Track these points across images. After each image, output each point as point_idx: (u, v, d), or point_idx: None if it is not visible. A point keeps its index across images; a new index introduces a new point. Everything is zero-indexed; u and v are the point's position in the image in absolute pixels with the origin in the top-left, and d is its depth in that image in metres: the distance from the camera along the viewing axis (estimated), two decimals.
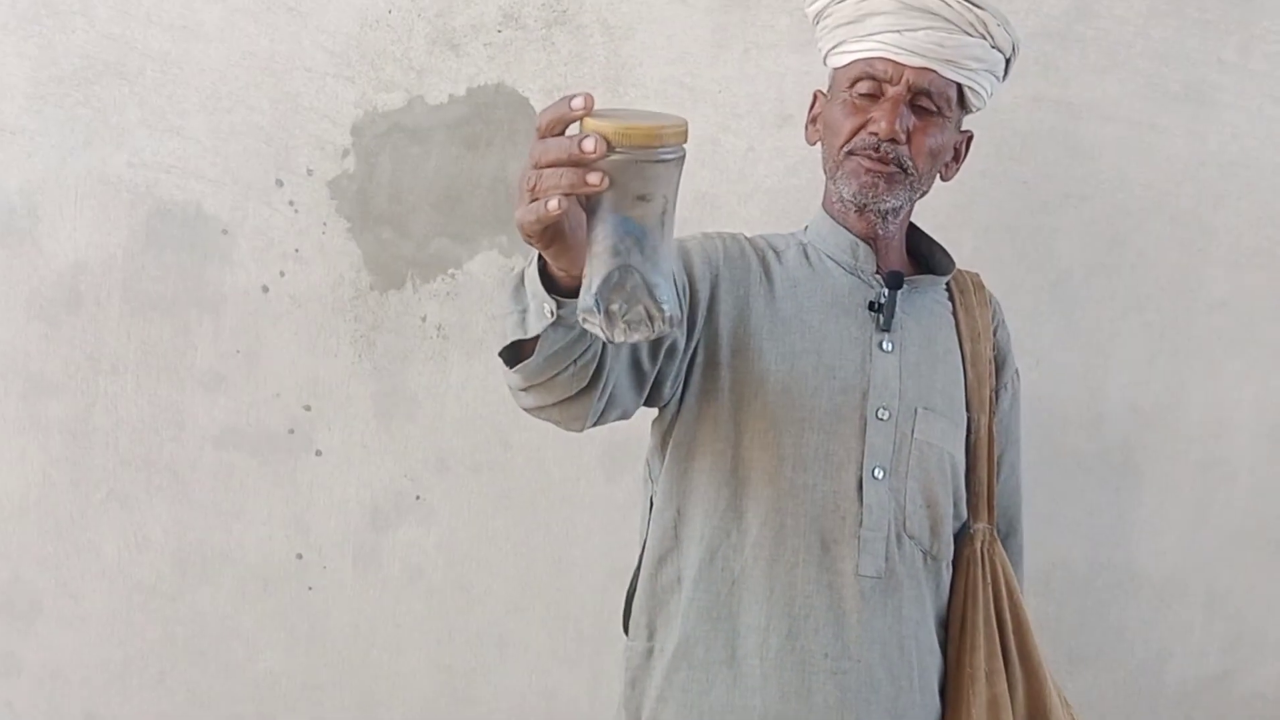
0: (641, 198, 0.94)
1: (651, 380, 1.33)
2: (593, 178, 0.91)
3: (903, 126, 1.39)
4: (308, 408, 2.00)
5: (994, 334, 1.55)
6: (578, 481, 2.03)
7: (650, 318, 0.97)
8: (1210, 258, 2.02)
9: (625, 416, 1.33)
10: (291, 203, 1.96)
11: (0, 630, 1.99)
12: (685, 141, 0.95)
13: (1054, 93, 1.96)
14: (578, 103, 0.93)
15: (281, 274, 1.97)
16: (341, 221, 1.97)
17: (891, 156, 1.40)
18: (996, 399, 1.53)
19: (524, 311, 1.11)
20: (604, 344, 1.18)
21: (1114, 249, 2.00)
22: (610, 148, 0.92)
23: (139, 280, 1.96)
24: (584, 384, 1.18)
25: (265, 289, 1.98)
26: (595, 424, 1.27)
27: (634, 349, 1.29)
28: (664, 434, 1.45)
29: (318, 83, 1.95)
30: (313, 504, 2.01)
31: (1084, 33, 1.96)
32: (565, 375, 1.15)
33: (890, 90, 1.40)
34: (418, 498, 2.02)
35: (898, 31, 1.39)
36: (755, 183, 1.98)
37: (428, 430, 2.01)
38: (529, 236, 0.98)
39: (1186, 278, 2.02)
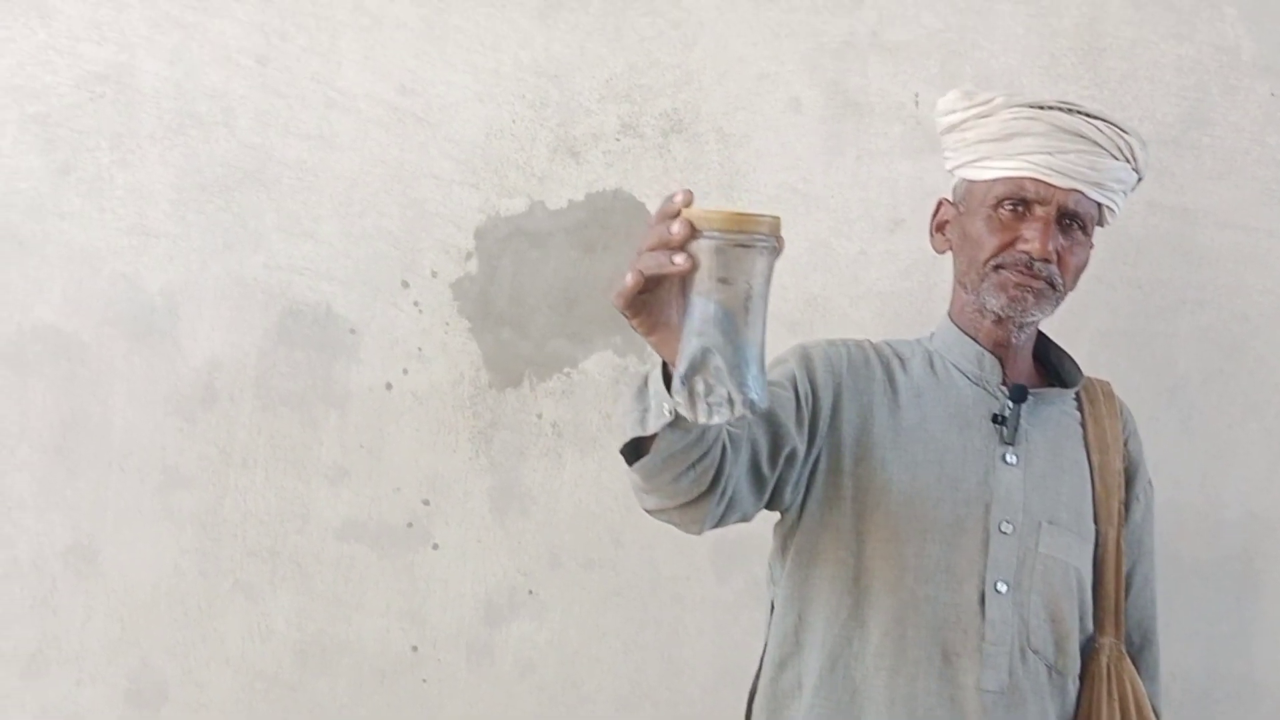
0: (724, 281, 0.99)
1: (772, 485, 1.36)
2: (677, 258, 0.99)
3: (1054, 246, 1.41)
4: (426, 502, 2.05)
5: (1125, 444, 1.54)
6: (688, 580, 2.04)
7: (731, 400, 1.01)
8: None
9: (745, 519, 1.36)
10: (416, 303, 2.04)
11: (128, 716, 2.05)
12: (773, 234, 1.01)
13: (1169, 199, 1.97)
14: (679, 198, 1.01)
15: (405, 371, 2.04)
16: (463, 321, 2.04)
17: (1044, 275, 1.42)
18: (1127, 511, 1.52)
19: (645, 411, 1.15)
20: (723, 449, 1.22)
21: (1232, 355, 1.99)
22: (695, 232, 0.99)
23: (270, 377, 2.04)
24: (704, 488, 1.21)
25: (389, 386, 2.04)
26: (715, 526, 1.30)
27: (754, 454, 1.32)
28: (785, 538, 1.47)
29: (444, 189, 2.03)
30: (429, 597, 2.05)
31: (1199, 139, 1.97)
32: (685, 479, 1.18)
33: (1040, 210, 1.42)
34: (530, 593, 2.05)
35: (1049, 153, 1.40)
36: (867, 286, 2.01)
37: (541, 526, 2.05)
38: (622, 313, 1.05)
39: None
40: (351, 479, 2.05)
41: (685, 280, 1.00)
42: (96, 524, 2.04)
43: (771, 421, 1.35)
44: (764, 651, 1.51)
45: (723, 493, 1.25)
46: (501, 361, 2.04)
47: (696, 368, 1.00)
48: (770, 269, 1.01)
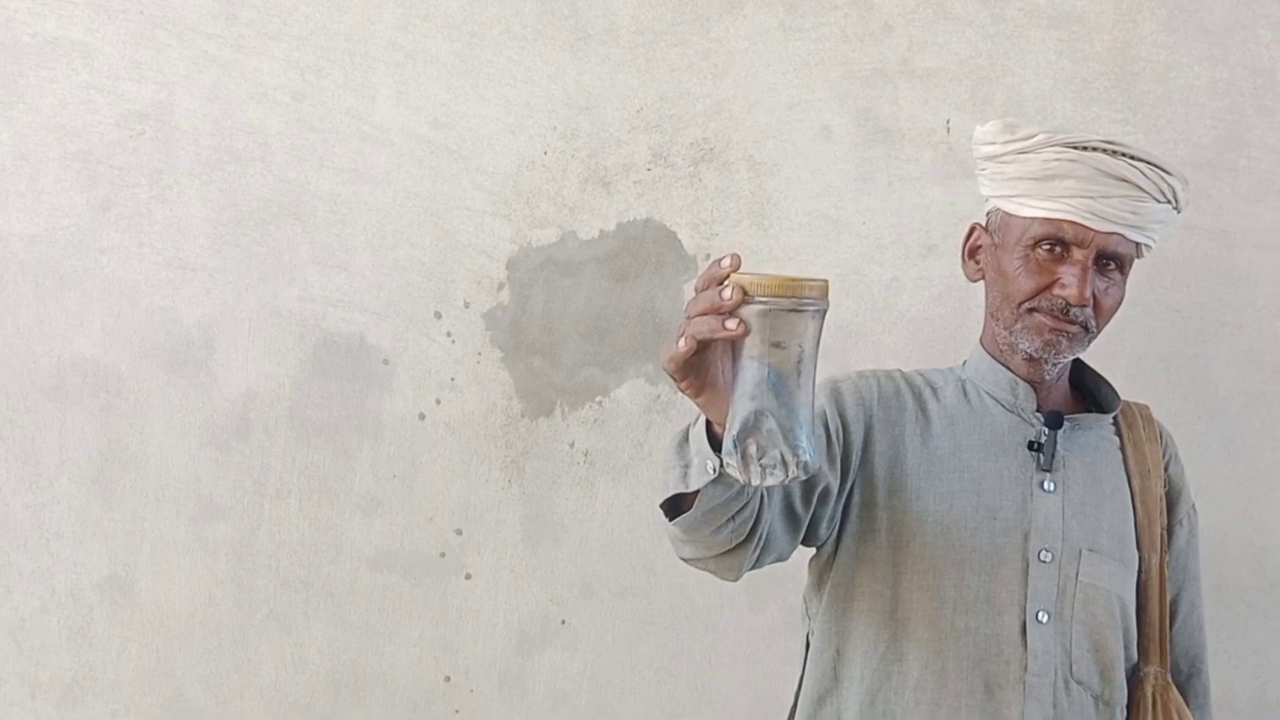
0: (777, 345, 1.01)
1: (806, 524, 1.36)
2: (730, 324, 1.00)
3: (1091, 291, 1.38)
4: (459, 531, 2.05)
5: (1165, 469, 1.51)
6: (721, 609, 2.03)
7: (785, 463, 1.02)
8: None
9: (781, 559, 1.36)
10: (449, 334, 2.05)
11: None
12: (822, 297, 1.02)
13: (1206, 221, 1.95)
14: (726, 262, 1.02)
15: (437, 401, 2.05)
16: (495, 351, 2.05)
17: (1080, 320, 1.39)
18: (1170, 536, 1.49)
19: (686, 466, 1.15)
20: (760, 499, 1.22)
21: (1273, 378, 1.95)
22: (747, 297, 1.00)
23: (304, 408, 2.05)
24: (741, 538, 1.22)
25: (422, 416, 2.05)
26: (751, 569, 1.30)
27: (786, 494, 1.32)
28: (821, 573, 1.46)
29: (476, 220, 2.04)
30: (461, 627, 2.05)
31: (1235, 161, 1.95)
32: (725, 531, 1.19)
33: (1078, 254, 1.38)
34: (563, 622, 2.05)
35: (1090, 198, 1.36)
36: (900, 312, 2.00)
37: (574, 555, 2.04)
38: (671, 376, 1.05)
39: None
40: (384, 509, 2.05)
41: (734, 343, 1.02)
42: (133, 554, 2.05)
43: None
44: (799, 687, 1.49)
45: (759, 541, 1.26)
46: (533, 390, 2.04)
47: (749, 430, 1.02)
48: (819, 331, 1.03)
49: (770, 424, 1.01)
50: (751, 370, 1.02)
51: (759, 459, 1.02)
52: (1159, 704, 1.42)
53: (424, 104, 2.05)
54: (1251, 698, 1.97)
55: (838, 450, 1.40)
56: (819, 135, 2.02)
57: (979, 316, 1.97)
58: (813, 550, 1.46)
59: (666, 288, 2.04)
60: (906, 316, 2.00)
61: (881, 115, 2.01)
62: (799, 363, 1.01)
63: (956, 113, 2.00)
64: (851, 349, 1.99)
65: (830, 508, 1.39)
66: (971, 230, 1.53)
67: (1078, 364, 1.54)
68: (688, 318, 1.03)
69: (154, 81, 2.07)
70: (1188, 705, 1.47)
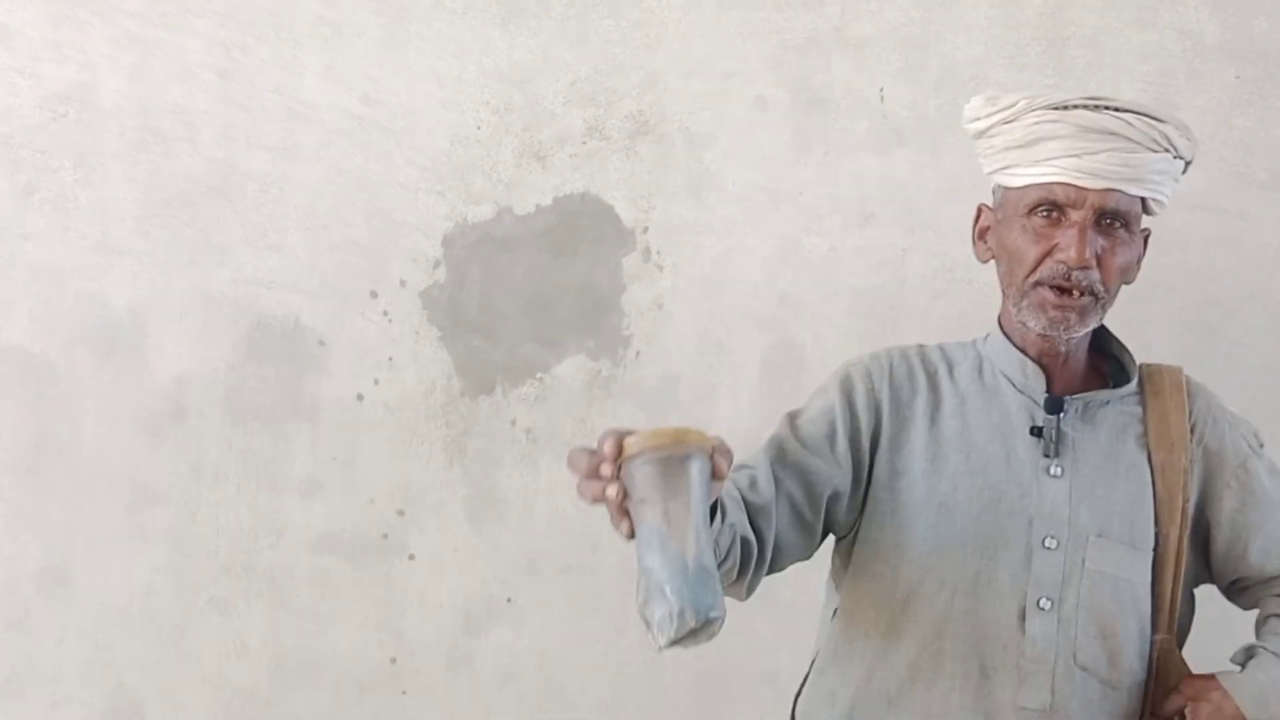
0: (643, 501, 1.01)
1: (821, 526, 1.41)
2: (610, 490, 1.02)
3: (1092, 252, 1.34)
4: (401, 512, 2.04)
5: (1200, 439, 1.45)
6: None
7: (682, 615, 1.00)
8: None
9: (804, 560, 1.43)
10: (385, 313, 2.02)
11: None
12: (666, 449, 1.01)
13: None
14: (607, 446, 1.03)
15: (376, 382, 2.03)
16: (433, 330, 2.03)
17: (1084, 285, 1.35)
18: (1219, 502, 1.44)
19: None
20: (744, 544, 1.29)
21: (1205, 339, 1.97)
22: (622, 458, 1.01)
23: (240, 392, 2.02)
24: (733, 579, 1.30)
25: (360, 397, 2.03)
26: (773, 573, 1.39)
27: (794, 505, 1.38)
28: (845, 555, 1.47)
29: (410, 197, 2.02)
30: (406, 608, 2.04)
31: None
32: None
33: (1075, 215, 1.34)
34: (509, 600, 2.04)
35: (1077, 156, 1.33)
36: (839, 281, 2.00)
37: (518, 533, 2.04)
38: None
39: None
40: (325, 492, 2.03)
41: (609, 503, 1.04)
42: (69, 544, 2.02)
43: (803, 472, 1.39)
44: (814, 658, 1.51)
45: (755, 571, 1.33)
46: (473, 369, 2.03)
47: (646, 597, 1.01)
48: (692, 475, 1.02)
49: (654, 583, 1.01)
50: (639, 530, 1.02)
51: (655, 622, 1.01)
52: (1162, 671, 1.39)
53: (353, 79, 2.02)
54: None
55: (846, 446, 1.41)
56: (754, 106, 2.01)
57: (917, 284, 1.99)
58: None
59: (605, 262, 2.02)
60: (846, 286, 2.00)
61: (816, 85, 2.00)
62: (665, 515, 1.00)
63: (890, 81, 1.99)
64: (791, 319, 2.00)
65: (845, 504, 1.42)
66: (979, 212, 1.49)
67: (1103, 334, 1.50)
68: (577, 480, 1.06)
69: (75, 62, 2.02)
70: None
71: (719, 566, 1.15)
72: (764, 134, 2.01)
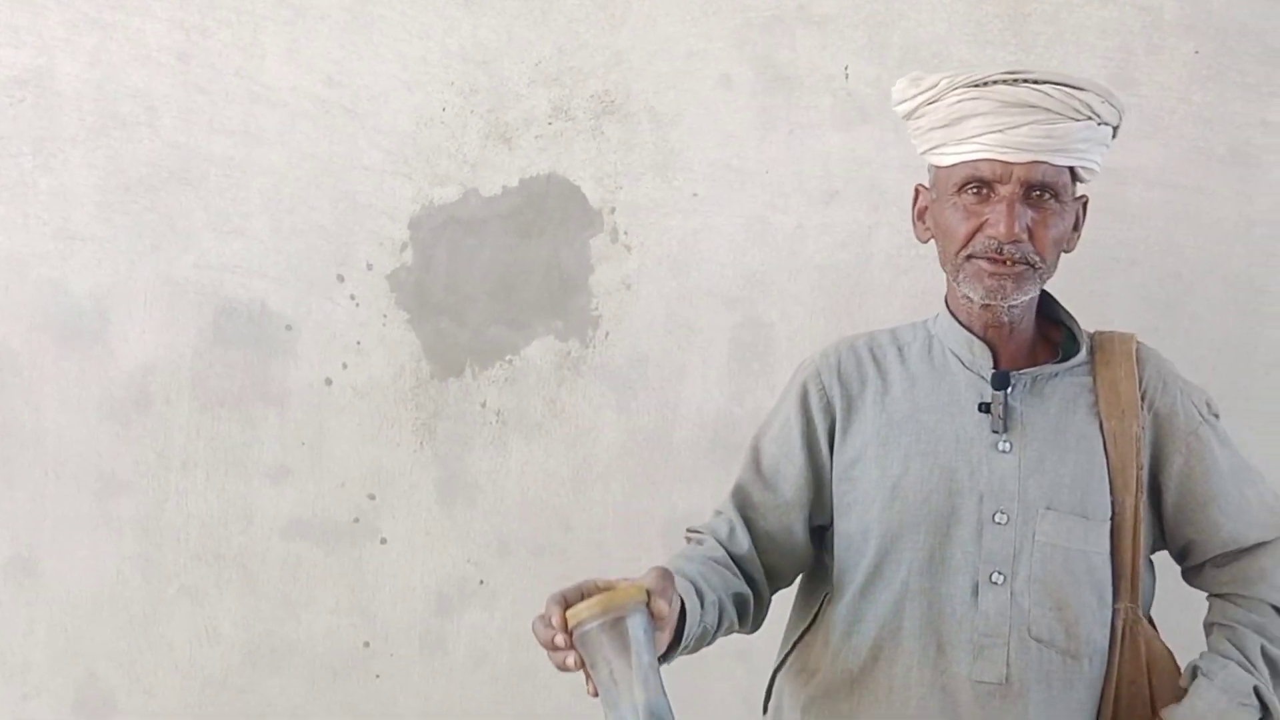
0: (593, 665, 1.12)
1: (806, 541, 1.51)
2: (569, 660, 1.14)
3: (1022, 226, 1.36)
4: (372, 496, 2.03)
5: (1150, 404, 1.46)
6: (639, 562, 2.00)
7: None
8: (1265, 318, 2.01)
9: (808, 567, 1.55)
10: (352, 297, 2.02)
11: None
12: (599, 616, 1.10)
13: None
14: (555, 618, 1.14)
15: (344, 366, 2.02)
16: (401, 313, 2.02)
17: (1017, 257, 1.36)
18: (1168, 468, 1.45)
19: None
20: (747, 593, 1.45)
21: (1166, 313, 2.00)
22: (569, 632, 1.12)
23: (206, 378, 2.01)
24: (735, 630, 1.46)
25: (328, 382, 2.02)
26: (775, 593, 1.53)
27: (770, 538, 1.49)
28: (826, 544, 1.52)
29: (375, 180, 2.01)
30: (379, 592, 2.04)
31: (1126, 100, 1.97)
32: (717, 639, 1.40)
33: (1002, 190, 1.36)
34: (481, 582, 2.04)
35: (999, 131, 1.35)
36: (805, 259, 2.01)
37: (489, 515, 2.04)
38: None
39: (1242, 339, 2.01)
40: (294, 477, 2.02)
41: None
42: (35, 534, 2.01)
43: (771, 508, 1.49)
44: (799, 634, 1.55)
45: (756, 607, 1.48)
46: (442, 352, 2.02)
47: None
48: (630, 632, 1.11)
49: None
50: (597, 688, 1.12)
51: None
52: (1127, 638, 1.42)
53: (316, 62, 2.01)
54: None
55: (805, 458, 1.48)
56: (719, 84, 2.01)
57: (883, 261, 2.00)
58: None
59: (572, 242, 2.02)
60: (812, 263, 2.01)
61: (780, 62, 2.01)
62: (610, 677, 1.10)
63: (854, 58, 2.00)
64: (758, 297, 2.00)
65: (819, 509, 1.50)
66: (916, 193, 1.51)
67: (1052, 304, 1.52)
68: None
69: (32, 46, 1.99)
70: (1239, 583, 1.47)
71: (711, 640, 1.36)
72: (729, 112, 2.01)
